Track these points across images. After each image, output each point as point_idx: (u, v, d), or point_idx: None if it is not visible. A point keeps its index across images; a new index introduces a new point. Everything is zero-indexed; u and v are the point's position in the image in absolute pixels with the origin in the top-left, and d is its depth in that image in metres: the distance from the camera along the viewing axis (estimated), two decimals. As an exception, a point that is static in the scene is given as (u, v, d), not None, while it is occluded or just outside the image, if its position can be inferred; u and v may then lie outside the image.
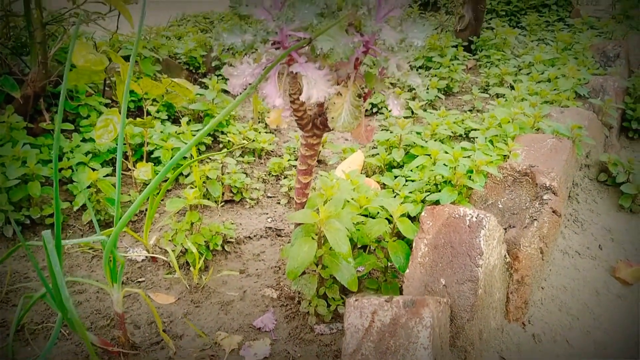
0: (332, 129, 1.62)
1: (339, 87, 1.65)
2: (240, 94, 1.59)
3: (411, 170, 2.47)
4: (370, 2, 1.59)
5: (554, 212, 2.02)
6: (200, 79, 4.09)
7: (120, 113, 2.45)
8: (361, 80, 1.69)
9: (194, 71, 4.06)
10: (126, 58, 3.56)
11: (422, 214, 1.81)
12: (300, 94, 1.65)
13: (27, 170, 2.37)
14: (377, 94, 3.56)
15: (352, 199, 2.08)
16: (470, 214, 1.71)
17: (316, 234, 1.83)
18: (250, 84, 1.56)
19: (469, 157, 2.26)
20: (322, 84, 1.50)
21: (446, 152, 2.36)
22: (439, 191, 2.35)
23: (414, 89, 3.67)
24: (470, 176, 2.18)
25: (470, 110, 3.77)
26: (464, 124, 3.29)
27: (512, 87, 3.94)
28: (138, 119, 2.76)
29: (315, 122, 1.77)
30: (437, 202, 2.15)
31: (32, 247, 2.34)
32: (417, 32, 1.56)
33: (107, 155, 2.80)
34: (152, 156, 2.78)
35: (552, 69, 3.86)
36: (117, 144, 2.78)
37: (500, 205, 2.13)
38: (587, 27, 4.89)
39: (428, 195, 2.22)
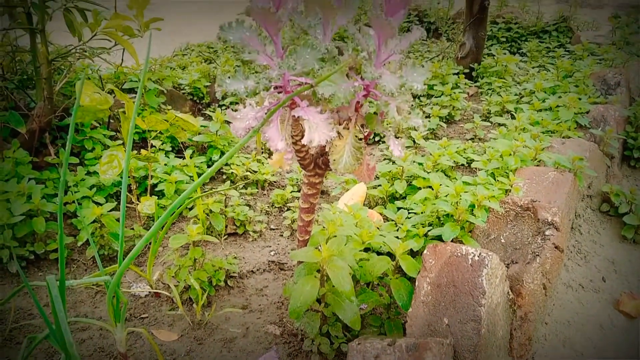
0: (334, 170, 1.64)
1: (340, 128, 1.67)
2: (243, 137, 1.61)
3: (414, 203, 2.48)
4: (370, 46, 1.62)
5: (556, 247, 2.02)
6: (204, 109, 4.13)
7: (125, 149, 2.48)
8: (362, 121, 1.72)
9: (198, 101, 4.10)
10: (131, 90, 3.61)
11: (425, 251, 1.81)
12: (302, 137, 1.67)
13: (32, 206, 2.39)
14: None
15: (355, 234, 2.09)
16: (472, 253, 1.72)
17: (319, 271, 1.84)
18: (253, 127, 1.59)
19: (471, 191, 2.27)
20: (324, 128, 1.52)
21: (447, 187, 2.37)
22: (442, 224, 2.36)
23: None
24: (472, 211, 2.19)
25: (472, 139, 3.79)
26: (466, 154, 3.31)
27: (513, 117, 3.97)
28: (142, 150, 2.79)
29: (317, 162, 1.79)
30: (439, 237, 2.16)
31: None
32: (417, 75, 1.58)
33: (112, 188, 2.82)
34: (156, 189, 2.81)
35: (553, 97, 3.89)
36: (121, 178, 2.80)
37: (502, 240, 2.14)
38: (588, 53, 4.93)
39: (430, 229, 2.22)
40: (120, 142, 3.23)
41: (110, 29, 2.71)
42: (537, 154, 2.65)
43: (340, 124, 1.72)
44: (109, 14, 3.08)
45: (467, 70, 4.87)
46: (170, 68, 4.22)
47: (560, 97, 3.93)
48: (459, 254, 1.74)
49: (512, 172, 2.50)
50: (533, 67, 5.05)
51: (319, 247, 1.83)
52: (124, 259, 1.69)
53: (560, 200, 2.29)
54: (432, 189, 2.54)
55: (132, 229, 2.60)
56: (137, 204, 2.65)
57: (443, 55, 5.15)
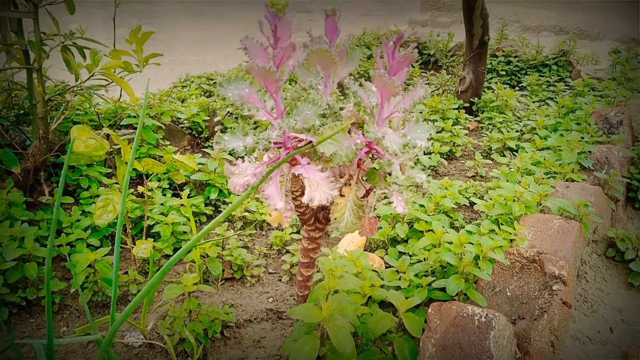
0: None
1: (341, 184, 1.62)
2: (241, 193, 1.56)
3: (417, 250, 2.42)
4: (372, 101, 1.58)
5: (564, 303, 1.96)
6: (202, 143, 4.09)
7: (120, 192, 2.43)
8: (364, 175, 1.67)
9: (196, 136, 4.07)
10: (130, 126, 3.58)
11: (430, 310, 1.75)
12: (302, 193, 1.62)
13: (24, 250, 2.33)
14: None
15: (356, 286, 2.03)
16: (479, 314, 1.66)
17: (318, 327, 1.77)
18: (251, 184, 1.54)
19: (475, 241, 2.21)
20: (325, 187, 1.47)
21: (449, 233, 2.31)
22: (445, 273, 2.30)
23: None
24: (476, 262, 2.13)
25: (473, 177, 3.74)
26: (468, 193, 3.26)
27: (515, 152, 3.93)
28: (140, 187, 2.73)
29: (317, 216, 1.73)
30: (443, 289, 2.10)
31: (26, 332, 2.27)
32: (421, 132, 1.54)
33: (107, 230, 2.76)
34: (152, 230, 2.74)
35: (554, 135, 3.86)
36: (117, 220, 2.74)
37: (508, 293, 2.07)
38: (589, 89, 4.92)
39: (434, 280, 2.16)
40: (116, 186, 3.18)
41: (107, 69, 2.68)
42: (541, 199, 2.60)
43: (341, 177, 1.67)
44: (108, 48, 3.05)
45: (467, 105, 4.85)
46: (169, 101, 4.19)
47: (562, 135, 3.90)
48: (465, 315, 1.67)
49: (516, 220, 2.44)
50: (533, 102, 5.04)
51: (319, 304, 1.77)
52: (117, 306, 1.63)
53: (566, 250, 2.23)
54: (434, 233, 2.49)
55: (127, 273, 2.53)
56: (132, 247, 2.59)
57: (443, 89, 5.14)
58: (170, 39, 8.72)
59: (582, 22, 9.66)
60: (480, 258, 2.12)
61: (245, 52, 1.41)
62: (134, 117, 3.56)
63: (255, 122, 1.58)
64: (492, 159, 3.99)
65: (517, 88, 5.68)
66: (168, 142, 3.65)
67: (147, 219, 2.75)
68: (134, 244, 2.62)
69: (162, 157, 3.44)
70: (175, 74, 5.79)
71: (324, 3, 1.66)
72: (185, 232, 2.76)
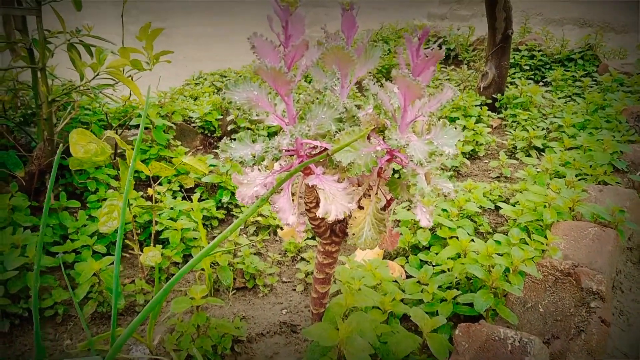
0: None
1: (360, 194, 1.48)
2: (250, 205, 1.42)
3: (441, 259, 2.27)
4: (394, 104, 1.43)
5: (602, 322, 1.79)
6: (215, 143, 3.97)
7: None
8: (384, 184, 1.52)
9: (209, 135, 3.94)
10: (139, 127, 3.46)
11: (457, 332, 1.60)
12: (316, 204, 1.48)
13: (26, 259, 2.22)
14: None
15: (375, 301, 1.89)
16: (512, 337, 1.50)
17: (336, 346, 1.63)
18: (261, 195, 1.40)
19: (504, 252, 2.05)
20: (342, 199, 1.33)
21: (476, 247, 2.15)
22: (472, 285, 2.14)
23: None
24: (506, 275, 1.97)
25: (497, 178, 3.57)
26: (492, 195, 3.09)
27: (541, 151, 3.75)
28: (149, 189, 2.61)
29: (334, 229, 1.59)
30: (470, 304, 1.94)
31: (28, 344, 2.17)
32: (448, 138, 1.39)
33: (114, 236, 2.65)
34: (161, 236, 2.62)
35: (583, 134, 3.67)
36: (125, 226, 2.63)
37: (541, 309, 1.91)
38: (617, 84, 4.70)
39: (459, 294, 2.01)
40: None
41: (113, 68, 2.56)
42: (574, 205, 2.42)
43: (359, 186, 1.53)
44: (118, 46, 2.94)
45: (489, 101, 4.66)
46: (182, 99, 4.07)
47: (591, 133, 3.70)
48: (497, 338, 1.52)
49: (548, 229, 2.27)
50: (559, 98, 4.83)
51: (335, 322, 1.63)
52: (123, 317, 1.50)
53: (603, 262, 2.06)
54: (459, 240, 2.34)
55: (134, 282, 2.42)
56: (140, 254, 2.47)
57: (464, 85, 4.95)
58: (183, 35, 8.62)
59: (606, 14, 9.36)
60: (510, 271, 1.96)
61: (253, 51, 1.27)
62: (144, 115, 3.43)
63: (266, 127, 1.45)
64: (517, 159, 3.80)
65: (541, 83, 5.46)
66: (179, 143, 3.53)
67: (156, 224, 2.63)
68: (142, 250, 2.50)
69: (172, 158, 3.33)
70: (188, 71, 5.68)
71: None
72: (195, 239, 2.63)
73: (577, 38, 6.32)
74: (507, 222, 2.89)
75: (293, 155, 1.43)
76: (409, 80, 1.23)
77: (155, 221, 2.62)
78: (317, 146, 1.39)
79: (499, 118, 4.58)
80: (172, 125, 3.47)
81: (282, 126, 1.38)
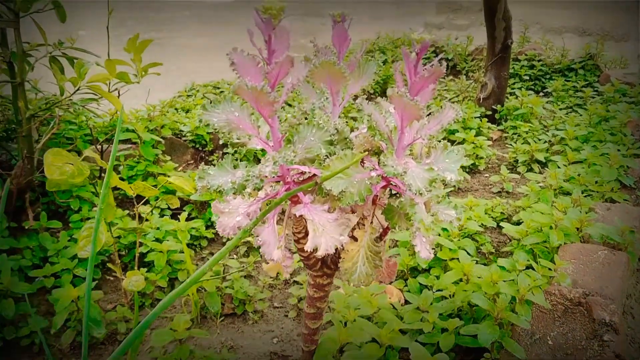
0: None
1: (354, 223, 1.35)
2: (232, 237, 1.29)
3: (443, 284, 2.14)
4: (390, 124, 1.30)
5: (617, 356, 1.66)
6: (207, 157, 3.84)
7: (106, 218, 2.17)
8: (380, 209, 1.39)
9: (200, 149, 3.81)
10: (128, 141, 3.33)
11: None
12: (305, 234, 1.35)
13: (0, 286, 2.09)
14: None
15: (372, 334, 1.75)
16: (519, 380, 1.37)
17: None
18: (243, 226, 1.27)
19: (508, 279, 1.92)
20: (332, 231, 1.20)
21: (479, 272, 2.02)
22: (474, 313, 2.01)
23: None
24: (512, 305, 1.83)
25: (499, 193, 3.44)
26: (494, 212, 2.96)
27: (544, 165, 3.62)
28: (138, 207, 2.47)
29: (325, 260, 1.46)
30: (474, 336, 1.81)
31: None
32: (449, 163, 1.26)
33: (97, 258, 2.51)
34: (146, 259, 2.48)
35: (587, 147, 3.54)
36: (106, 248, 2.50)
37: (550, 342, 1.78)
38: (619, 94, 4.58)
39: (462, 325, 1.87)
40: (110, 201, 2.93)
41: (95, 83, 2.43)
42: (583, 226, 2.29)
43: (352, 212, 1.40)
44: (103, 59, 2.82)
45: (489, 113, 4.54)
46: (172, 112, 3.94)
47: (595, 146, 3.58)
48: (503, 381, 1.38)
49: (555, 252, 2.14)
50: (560, 109, 4.71)
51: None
52: (104, 346, 1.36)
53: (614, 288, 1.93)
54: (460, 263, 2.21)
55: (115, 309, 2.28)
56: (123, 278, 2.33)
57: (463, 96, 4.84)
58: (178, 46, 8.51)
59: (605, 22, 9.28)
60: (517, 300, 1.82)
61: (232, 68, 1.14)
62: (132, 131, 3.31)
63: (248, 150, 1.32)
64: (519, 173, 3.68)
65: (541, 94, 5.35)
66: (169, 158, 3.40)
67: (140, 246, 2.50)
68: (126, 274, 2.36)
69: (161, 174, 3.19)
70: (182, 83, 5.56)
71: (338, 6, 1.38)
72: (182, 261, 2.50)
73: (576, 47, 6.21)
74: (510, 241, 2.76)
75: (280, 182, 1.30)
76: (406, 100, 1.11)
77: (140, 242, 2.49)
78: (306, 172, 1.27)
79: (499, 130, 4.46)
80: (161, 139, 3.34)
81: (267, 150, 1.26)
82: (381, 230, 1.39)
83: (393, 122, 1.29)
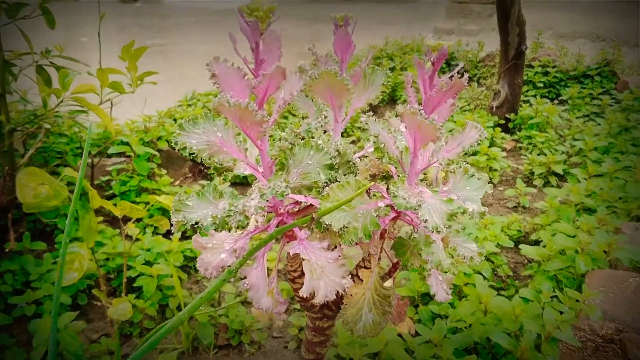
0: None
1: (357, 257, 1.16)
2: (215, 277, 1.11)
3: (458, 316, 1.94)
4: (400, 144, 1.11)
5: (660, 406, 1.45)
6: (205, 170, 3.66)
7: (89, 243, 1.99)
8: (389, 239, 1.20)
9: (199, 162, 3.63)
10: (122, 154, 3.16)
11: None
12: (302, 273, 1.16)
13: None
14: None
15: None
16: None
17: None
18: (229, 265, 1.08)
19: (532, 313, 1.72)
20: (333, 273, 1.01)
21: (498, 303, 1.82)
22: (492, 349, 1.81)
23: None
24: (537, 343, 1.63)
25: (515, 208, 3.24)
26: (511, 230, 2.76)
27: (562, 177, 3.42)
28: (129, 225, 2.29)
29: (325, 302, 1.27)
30: (492, 378, 1.61)
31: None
32: (471, 190, 1.06)
33: (82, 283, 2.33)
34: (135, 284, 2.30)
35: (608, 159, 3.34)
36: (92, 272, 2.32)
37: (580, 386, 1.58)
38: (639, 103, 4.37)
39: (480, 364, 1.67)
40: (103, 218, 2.76)
41: (79, 94, 2.26)
42: (611, 250, 2.09)
43: (357, 244, 1.21)
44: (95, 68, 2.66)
45: (502, 122, 4.34)
46: (170, 123, 3.77)
47: (616, 158, 3.37)
48: None
49: (582, 280, 1.94)
50: (577, 117, 4.50)
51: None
52: None
53: (651, 322, 1.72)
54: (476, 290, 2.01)
55: (99, 340, 2.09)
56: (109, 306, 2.15)
57: (475, 104, 4.64)
58: (182, 52, 8.36)
59: (618, 27, 9.07)
60: (543, 337, 1.62)
61: (213, 81, 0.96)
62: (126, 143, 3.14)
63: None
64: (535, 186, 3.48)
65: (556, 101, 5.14)
66: (165, 172, 3.22)
67: (129, 269, 2.32)
68: (112, 301, 2.18)
69: (156, 190, 3.02)
70: (184, 90, 5.40)
71: (345, 11, 1.19)
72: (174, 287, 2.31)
73: (589, 53, 6.00)
74: (528, 262, 2.56)
75: (271, 212, 1.11)
76: (420, 119, 0.92)
77: (129, 265, 2.31)
78: (302, 201, 1.08)
79: (512, 140, 4.25)
80: (157, 152, 3.17)
81: (256, 176, 1.07)
82: (390, 266, 1.20)
83: (404, 142, 1.11)
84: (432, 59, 0.97)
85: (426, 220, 0.93)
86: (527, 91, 5.23)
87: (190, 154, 1.00)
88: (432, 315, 2.13)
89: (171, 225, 1.04)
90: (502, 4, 4.08)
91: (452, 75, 0.95)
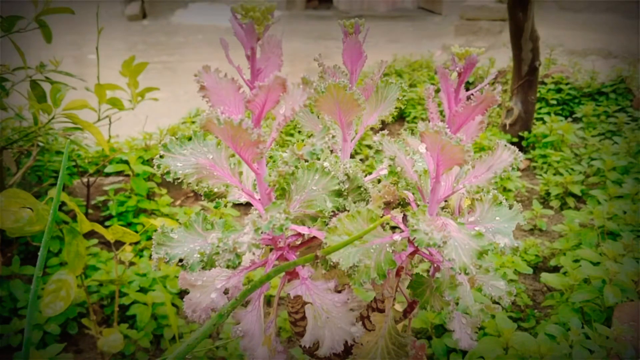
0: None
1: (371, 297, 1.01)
2: (203, 321, 0.96)
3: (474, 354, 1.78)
4: (418, 167, 0.97)
5: None
6: (208, 189, 3.52)
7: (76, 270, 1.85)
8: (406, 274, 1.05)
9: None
10: (120, 173, 3.04)
11: None
12: (304, 315, 1.01)
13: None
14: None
15: None
16: None
17: None
18: (219, 307, 0.93)
19: (560, 353, 1.56)
20: (340, 319, 0.86)
21: (521, 339, 1.66)
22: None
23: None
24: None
25: (531, 231, 3.08)
26: (528, 256, 2.61)
27: (579, 199, 3.26)
28: (126, 248, 2.16)
29: (332, 344, 1.12)
30: None
31: None
32: (501, 221, 0.92)
33: (72, 311, 2.19)
34: (128, 312, 2.15)
35: (628, 180, 3.17)
36: (83, 300, 2.18)
37: None
38: (657, 120, 4.22)
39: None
40: (98, 241, 2.63)
41: (72, 110, 2.14)
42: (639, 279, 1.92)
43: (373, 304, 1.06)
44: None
45: (515, 140, 4.19)
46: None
47: (637, 179, 3.20)
48: None
49: (610, 312, 1.78)
50: (592, 136, 4.34)
51: None
52: None
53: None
54: (496, 325, 1.85)
55: (89, 375, 1.95)
56: (99, 337, 2.00)
57: (487, 122, 4.49)
58: (190, 70, 8.30)
59: (630, 44, 8.92)
60: (573, 383, 1.46)
61: (202, 94, 0.82)
62: (125, 162, 3.02)
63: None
64: (552, 207, 3.31)
65: (569, 119, 4.99)
66: (165, 191, 3.09)
67: (122, 296, 2.17)
68: (101, 334, 2.03)
69: (154, 210, 2.88)
70: (190, 107, 5.30)
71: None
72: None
73: (602, 69, 5.85)
74: (548, 290, 2.40)
75: (269, 245, 0.97)
76: (444, 139, 0.78)
77: (118, 291, 2.17)
78: (304, 234, 0.94)
79: (526, 159, 4.10)
80: (156, 171, 3.04)
81: (253, 204, 0.93)
82: (407, 305, 1.05)
83: (423, 165, 0.96)
84: (458, 68, 0.83)
85: (453, 260, 0.78)
86: (540, 108, 5.08)
87: (174, 179, 0.86)
88: (446, 348, 1.97)
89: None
90: (515, 19, 3.95)
91: (482, 87, 0.81)
